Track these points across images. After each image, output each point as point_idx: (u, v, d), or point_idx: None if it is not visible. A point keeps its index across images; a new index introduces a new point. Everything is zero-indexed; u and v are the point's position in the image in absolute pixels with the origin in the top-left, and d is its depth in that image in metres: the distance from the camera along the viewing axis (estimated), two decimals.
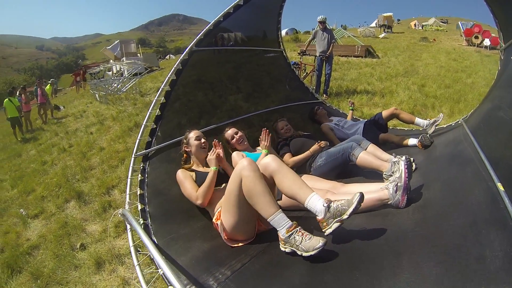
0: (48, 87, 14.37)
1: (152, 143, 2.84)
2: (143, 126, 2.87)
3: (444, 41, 21.24)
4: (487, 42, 17.62)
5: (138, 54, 21.50)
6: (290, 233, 1.68)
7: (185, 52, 3.04)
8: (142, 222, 2.30)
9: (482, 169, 1.91)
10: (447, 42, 20.75)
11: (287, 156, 3.20)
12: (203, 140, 2.69)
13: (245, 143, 3.02)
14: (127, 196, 2.52)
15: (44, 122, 11.82)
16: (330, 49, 7.46)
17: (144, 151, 2.80)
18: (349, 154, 2.79)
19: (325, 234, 1.67)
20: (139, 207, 2.43)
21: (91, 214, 4.27)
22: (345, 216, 1.64)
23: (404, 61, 12.51)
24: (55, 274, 3.16)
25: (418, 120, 3.64)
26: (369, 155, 2.73)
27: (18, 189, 5.78)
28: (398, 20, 41.63)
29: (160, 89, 2.96)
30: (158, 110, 2.94)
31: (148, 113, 2.89)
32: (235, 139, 2.98)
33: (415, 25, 32.56)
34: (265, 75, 4.64)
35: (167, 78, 2.95)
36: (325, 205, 1.69)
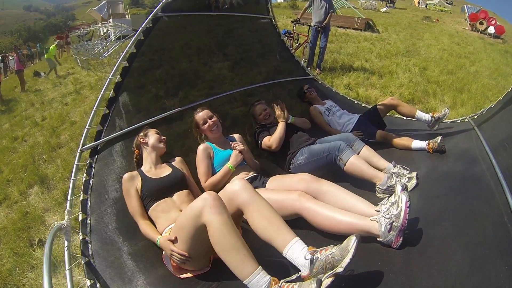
0: (53, 47, 13.24)
1: (102, 133, 2.33)
2: (93, 112, 2.37)
3: (448, 22, 20.63)
4: (491, 29, 17.30)
5: (127, 16, 20.28)
6: None
7: (147, 19, 2.48)
8: (81, 237, 1.91)
9: (503, 207, 1.50)
10: (451, 24, 20.16)
11: (266, 139, 2.74)
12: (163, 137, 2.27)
13: (219, 130, 2.49)
14: (68, 204, 2.07)
15: (23, 90, 11.11)
16: (327, 19, 6.63)
17: (93, 143, 2.30)
18: (335, 157, 2.29)
19: None
20: (80, 217, 2.02)
21: (52, 203, 3.91)
22: (339, 269, 1.25)
23: (406, 39, 11.92)
24: (12, 275, 2.91)
25: (420, 113, 3.17)
26: (360, 161, 2.24)
27: None
28: None
29: (116, 65, 2.41)
30: (112, 91, 2.41)
31: (100, 95, 2.38)
32: (207, 124, 2.42)
33: (418, 2, 31.20)
34: (250, 45, 3.99)
35: (124, 51, 2.42)
36: (309, 257, 1.30)
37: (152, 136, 2.24)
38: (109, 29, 15.27)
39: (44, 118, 7.16)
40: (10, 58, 16.27)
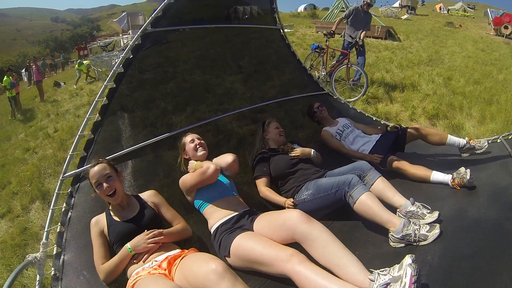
0: (87, 62, 13.30)
1: (86, 160, 2.13)
2: (77, 136, 2.17)
3: (471, 28, 19.88)
4: None
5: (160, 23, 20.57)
6: None
7: (136, 36, 2.26)
8: (53, 272, 1.76)
9: None
10: (474, 29, 19.38)
11: (261, 182, 2.45)
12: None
13: (204, 152, 2.25)
14: (44, 235, 1.95)
15: (41, 100, 11.35)
16: (364, 35, 5.98)
17: (75, 170, 2.10)
18: (345, 193, 1.97)
19: None
20: (55, 251, 1.86)
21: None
22: None
23: (428, 47, 11.35)
24: None
25: (452, 139, 2.74)
26: (373, 200, 1.89)
27: None
28: (423, 1, 39.22)
29: (103, 86, 2.21)
30: (98, 114, 2.20)
31: (86, 118, 2.18)
32: (194, 143, 2.24)
33: (440, 8, 30.34)
34: (265, 57, 3.76)
35: (111, 73, 2.21)
36: None
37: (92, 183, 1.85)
38: (128, 40, 15.46)
39: (56, 129, 7.18)
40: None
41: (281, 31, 3.89)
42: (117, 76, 2.26)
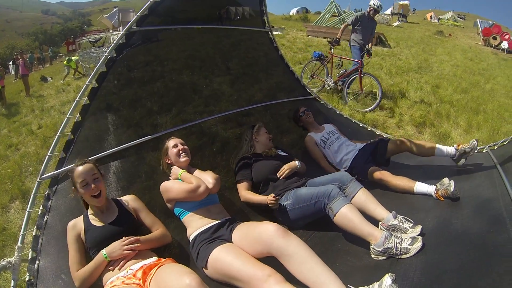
0: (76, 58, 12.83)
1: (65, 161, 2.06)
2: (56, 137, 2.10)
3: (460, 37, 20.42)
4: (505, 44, 17.12)
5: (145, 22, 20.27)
6: None
7: (120, 34, 2.20)
8: (27, 278, 1.70)
9: None
10: (463, 39, 19.89)
11: (242, 186, 2.40)
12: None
13: (186, 159, 2.19)
14: (20, 238, 1.89)
15: (27, 94, 11.08)
16: (372, 43, 5.84)
17: (53, 172, 2.03)
18: (325, 205, 1.93)
19: None
20: (30, 255, 1.80)
21: (29, 222, 3.64)
22: None
23: (418, 54, 11.55)
24: None
25: (440, 148, 2.67)
26: (354, 213, 1.84)
27: None
28: (414, 10, 39.94)
29: (85, 85, 2.14)
30: (78, 115, 2.13)
31: (66, 118, 2.11)
32: (177, 148, 2.18)
33: (431, 17, 30.94)
34: (246, 61, 3.71)
35: (93, 71, 2.15)
36: None
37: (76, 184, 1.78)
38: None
39: (40, 126, 7.00)
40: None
41: (270, 33, 3.85)
42: (100, 75, 2.19)
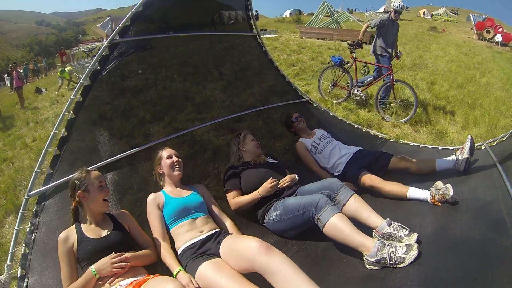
0: (69, 69, 12.72)
1: (52, 177, 2.01)
2: (43, 152, 2.06)
3: (454, 32, 20.46)
4: (498, 37, 17.16)
5: (130, 32, 20.29)
6: None
7: (103, 46, 2.16)
8: None
9: None
10: (457, 34, 19.97)
11: (231, 196, 2.35)
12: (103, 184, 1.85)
13: (179, 173, 2.16)
14: (9, 256, 1.91)
15: (22, 107, 11.03)
16: (396, 48, 5.40)
17: (40, 188, 1.99)
18: (313, 215, 1.86)
19: None
20: (18, 273, 1.78)
21: (23, 237, 3.58)
22: None
23: (412, 52, 11.55)
24: None
25: (440, 163, 2.54)
26: (344, 222, 1.76)
27: None
28: (407, 7, 40.12)
29: (70, 99, 2.10)
30: (64, 129, 2.09)
31: (52, 133, 2.06)
32: (171, 160, 2.15)
33: (424, 13, 31.14)
34: (239, 66, 3.67)
35: (77, 86, 2.10)
36: None
37: (93, 185, 1.79)
38: None
39: (34, 139, 6.95)
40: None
41: (258, 38, 3.80)
42: (84, 89, 2.14)
